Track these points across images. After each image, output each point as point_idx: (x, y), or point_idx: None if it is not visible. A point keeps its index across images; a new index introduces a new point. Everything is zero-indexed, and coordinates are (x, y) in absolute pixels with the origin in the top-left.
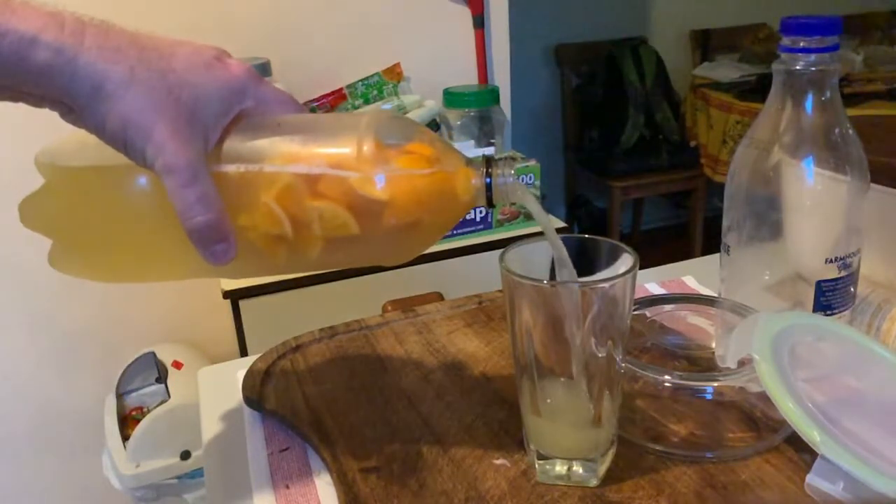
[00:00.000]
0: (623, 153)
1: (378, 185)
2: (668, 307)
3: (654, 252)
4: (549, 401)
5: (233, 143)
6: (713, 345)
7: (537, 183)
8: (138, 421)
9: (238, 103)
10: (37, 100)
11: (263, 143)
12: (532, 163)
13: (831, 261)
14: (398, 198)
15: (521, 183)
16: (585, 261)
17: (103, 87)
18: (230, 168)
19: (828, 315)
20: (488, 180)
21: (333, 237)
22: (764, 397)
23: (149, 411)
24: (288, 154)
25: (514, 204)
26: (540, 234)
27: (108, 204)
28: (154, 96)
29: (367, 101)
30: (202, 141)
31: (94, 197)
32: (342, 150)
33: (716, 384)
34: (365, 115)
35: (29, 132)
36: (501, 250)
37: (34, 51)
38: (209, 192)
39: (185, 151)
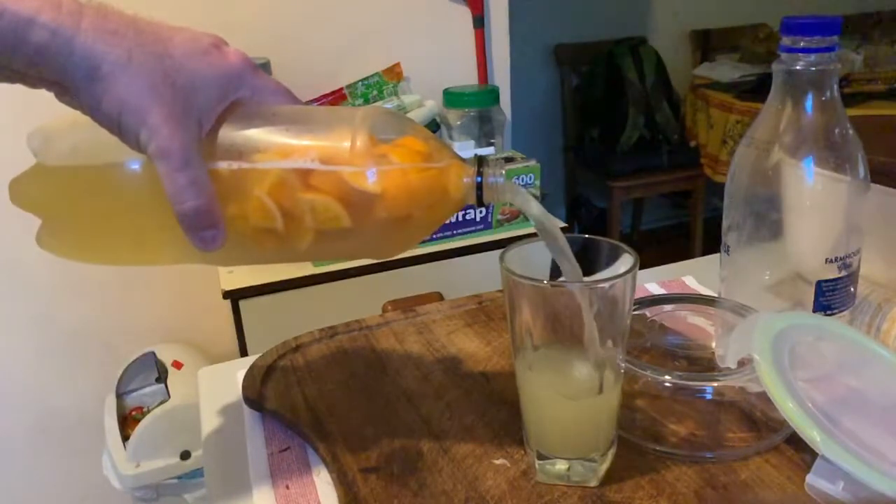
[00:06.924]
0: (623, 153)
1: (370, 179)
2: (668, 307)
3: (654, 252)
4: (548, 370)
5: (227, 132)
6: (713, 345)
7: (537, 183)
8: (138, 421)
9: (234, 91)
10: (33, 80)
11: (257, 133)
12: (532, 163)
13: (831, 261)
14: (390, 191)
15: (513, 183)
16: (585, 261)
17: (99, 69)
18: (223, 157)
19: (828, 315)
20: (479, 179)
21: (325, 230)
22: (764, 397)
23: (149, 411)
24: (281, 146)
25: (513, 204)
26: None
27: (99, 192)
28: (150, 80)
29: (367, 101)
30: (196, 127)
31: (84, 186)
32: (336, 143)
33: (716, 384)
34: (360, 110)
35: (26, 131)
36: (501, 250)
37: (31, 31)
38: (201, 178)
39: (179, 136)
